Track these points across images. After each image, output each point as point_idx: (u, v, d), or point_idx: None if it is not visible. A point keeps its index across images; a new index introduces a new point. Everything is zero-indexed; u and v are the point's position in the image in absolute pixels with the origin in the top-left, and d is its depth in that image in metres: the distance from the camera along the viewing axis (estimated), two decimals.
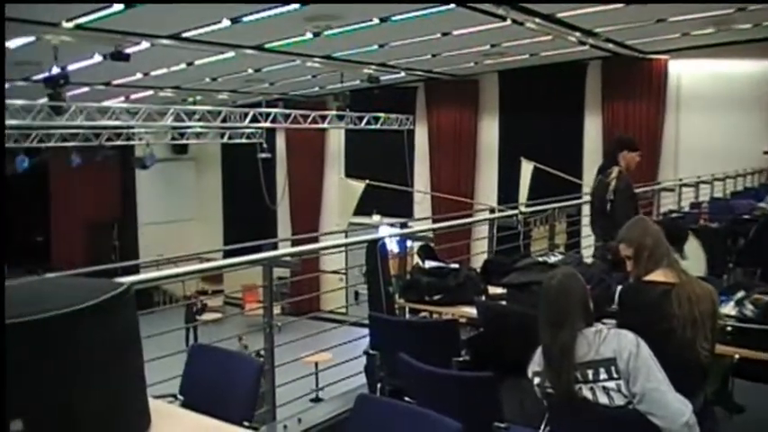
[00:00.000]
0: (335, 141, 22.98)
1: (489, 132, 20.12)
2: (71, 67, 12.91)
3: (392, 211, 19.78)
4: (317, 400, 12.23)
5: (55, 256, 25.13)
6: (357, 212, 17.31)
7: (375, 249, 6.39)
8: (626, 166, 6.97)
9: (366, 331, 5.86)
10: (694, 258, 6.15)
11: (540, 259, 5.67)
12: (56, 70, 12.30)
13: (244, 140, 21.74)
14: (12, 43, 11.79)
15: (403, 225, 10.93)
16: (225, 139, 21.72)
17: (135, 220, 26.14)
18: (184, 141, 22.13)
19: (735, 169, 15.60)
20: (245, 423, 3.00)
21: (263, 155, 21.78)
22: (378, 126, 20.01)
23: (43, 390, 1.92)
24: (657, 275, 3.93)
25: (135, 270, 23.82)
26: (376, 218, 19.56)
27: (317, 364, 13.27)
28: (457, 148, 20.26)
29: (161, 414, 2.29)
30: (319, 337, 9.50)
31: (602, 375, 3.28)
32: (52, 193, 24.69)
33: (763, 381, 4.74)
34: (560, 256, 5.78)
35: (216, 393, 3.17)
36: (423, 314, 6.26)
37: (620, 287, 4.37)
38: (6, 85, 16.04)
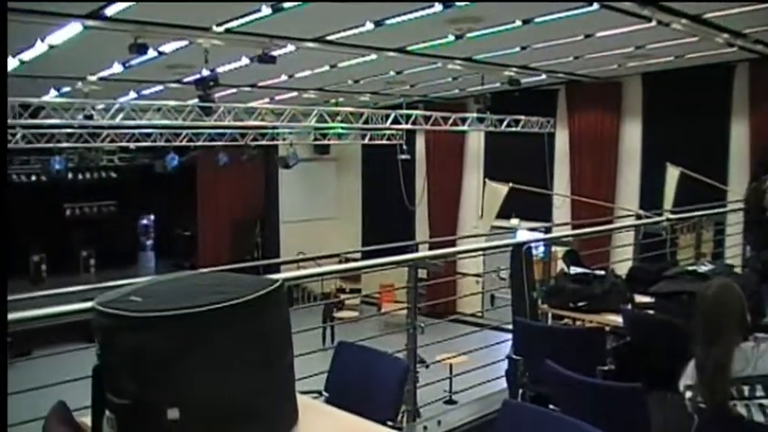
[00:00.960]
0: (475, 143, 22.91)
1: (632, 136, 19.64)
2: (220, 70, 13.29)
3: (530, 214, 19.60)
4: (450, 402, 12.28)
5: (201, 250, 25.99)
6: (497, 215, 17.24)
7: (520, 253, 6.33)
8: None
9: (502, 336, 5.82)
10: None
11: (690, 268, 5.50)
12: (206, 72, 12.68)
13: (384, 142, 21.95)
14: (167, 47, 12.28)
15: (547, 230, 10.83)
16: (366, 140, 21.96)
17: (277, 217, 26.75)
18: (326, 142, 22.51)
19: None
20: (389, 423, 3.02)
21: (403, 156, 21.94)
22: (518, 129, 19.81)
23: (199, 380, 2.00)
24: None
25: (276, 268, 24.52)
26: (514, 221, 19.39)
27: (451, 367, 13.30)
28: (598, 151, 19.84)
29: (308, 409, 2.34)
30: (454, 340, 9.50)
31: (759, 392, 3.13)
32: (199, 190, 25.52)
33: None
34: (710, 266, 5.57)
35: (361, 392, 3.20)
36: (565, 321, 6.18)
37: None
38: (160, 88, 16.71)
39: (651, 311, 5.35)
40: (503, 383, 6.90)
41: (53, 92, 16.62)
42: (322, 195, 27.15)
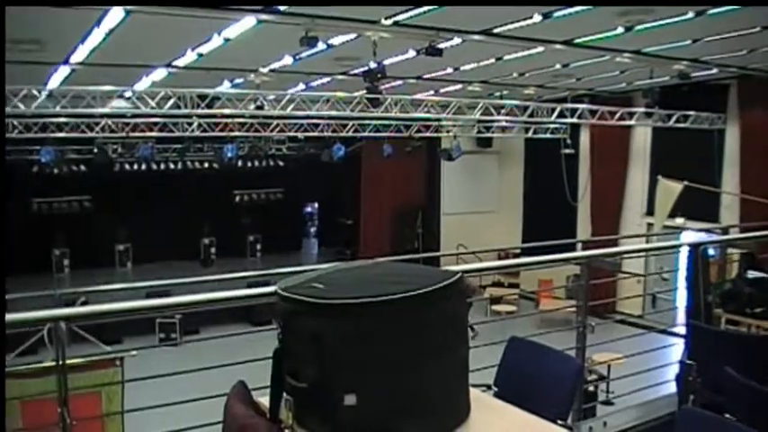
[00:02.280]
0: (641, 139, 22.27)
1: None
2: (387, 62, 13.47)
3: (695, 213, 18.96)
4: (608, 403, 12.08)
5: (363, 239, 26.45)
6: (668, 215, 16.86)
7: (696, 255, 6.09)
8: None
9: (666, 339, 5.64)
10: None
11: None
12: (373, 65, 12.87)
13: (548, 136, 21.71)
14: (336, 40, 12.55)
15: (723, 231, 10.48)
16: (530, 134, 21.78)
17: (438, 209, 26.92)
18: (490, 135, 22.44)
19: None
20: (559, 421, 2.99)
21: (567, 151, 21.66)
22: (687, 125, 19.18)
23: (377, 369, 2.06)
24: None
25: (437, 260, 24.71)
26: (680, 220, 18.76)
27: (609, 367, 13.07)
28: None
29: (479, 403, 2.36)
30: (612, 340, 9.34)
31: None
32: (363, 180, 25.96)
33: None
34: None
35: (532, 388, 3.18)
36: (741, 326, 5.95)
37: None
38: (327, 79, 17.07)
39: None
40: (665, 389, 6.74)
41: (227, 83, 17.24)
42: (483, 188, 27.11)
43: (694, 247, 6.09)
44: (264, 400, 2.35)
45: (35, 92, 14.63)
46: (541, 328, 19.56)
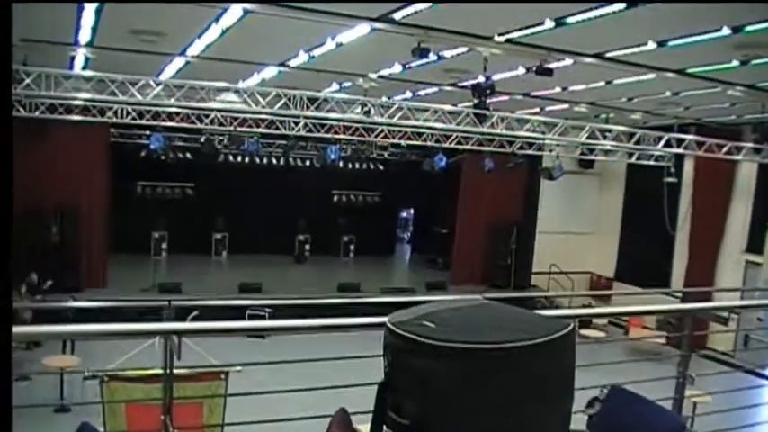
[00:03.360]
0: (747, 174, 21.63)
1: None
2: (495, 77, 13.47)
3: None
4: None
5: (456, 250, 26.46)
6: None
7: None
8: None
9: (755, 380, 5.49)
10: None
11: None
12: (482, 79, 12.90)
13: (651, 162, 21.36)
14: (447, 53, 12.62)
15: None
16: (633, 159, 21.44)
17: (534, 226, 26.75)
18: (593, 157, 22.21)
19: None
20: None
21: (670, 179, 21.27)
22: None
23: (480, 414, 2.11)
24: None
25: (528, 278, 24.64)
26: None
27: (695, 405, 12.82)
28: None
29: None
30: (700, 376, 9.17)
31: None
32: (461, 191, 25.94)
33: None
34: None
35: None
36: None
37: None
38: (434, 89, 17.15)
39: None
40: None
41: (335, 85, 17.45)
42: (581, 209, 26.81)
43: None
44: (364, 429, 2.41)
45: (151, 82, 15.11)
46: (630, 356, 19.32)
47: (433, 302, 2.39)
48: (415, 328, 2.14)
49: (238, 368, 5.44)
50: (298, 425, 4.23)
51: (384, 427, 2.28)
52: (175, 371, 4.07)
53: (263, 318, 20.52)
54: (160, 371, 4.01)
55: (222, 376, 5.57)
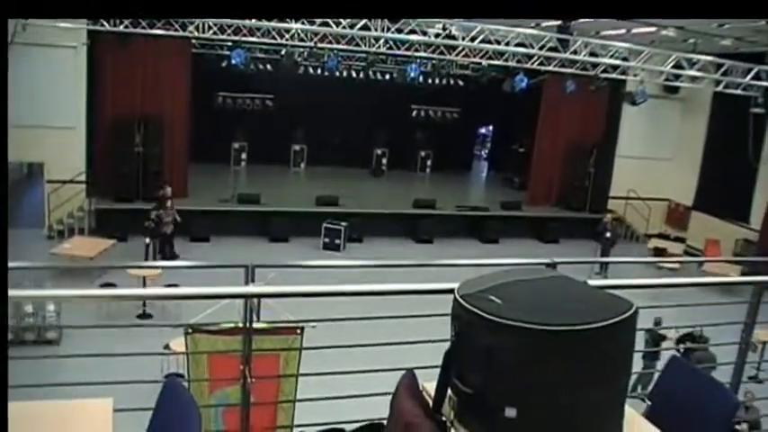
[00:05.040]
0: None
1: None
2: None
3: None
4: (755, 379, 11.85)
5: (533, 170, 26.30)
6: None
7: None
8: None
9: None
10: None
11: None
12: None
13: (739, 92, 20.75)
14: None
15: None
16: (719, 88, 20.87)
17: (613, 150, 26.38)
18: (678, 84, 21.62)
19: None
20: None
21: (757, 110, 20.64)
22: None
23: (541, 389, 2.19)
24: None
25: (604, 201, 24.45)
26: None
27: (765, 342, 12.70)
28: None
29: (632, 426, 2.43)
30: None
31: None
32: (542, 112, 25.62)
33: None
34: None
35: (686, 414, 3.18)
36: None
37: None
38: None
39: None
40: None
41: None
42: (663, 135, 26.28)
43: None
44: (431, 387, 2.51)
45: None
46: (701, 291, 19.16)
47: (501, 272, 2.45)
48: (482, 304, 2.21)
49: (313, 324, 5.62)
50: (368, 378, 4.38)
51: (449, 391, 2.39)
52: (254, 325, 4.32)
53: (339, 232, 20.88)
54: (240, 325, 4.25)
55: (298, 331, 5.78)
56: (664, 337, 12.62)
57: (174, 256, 18.16)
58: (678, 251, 23.69)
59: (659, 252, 22.88)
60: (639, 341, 5.95)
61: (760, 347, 12.68)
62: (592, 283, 2.73)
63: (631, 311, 2.24)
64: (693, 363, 10.55)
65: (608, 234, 21.16)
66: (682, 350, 11.89)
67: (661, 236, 25.03)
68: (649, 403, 3.30)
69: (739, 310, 4.88)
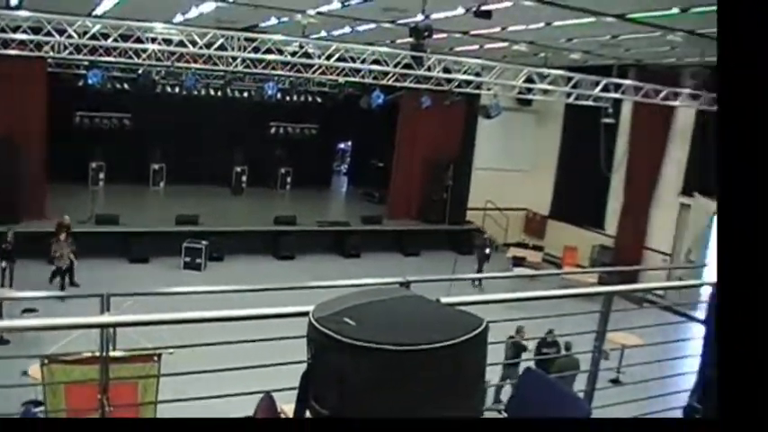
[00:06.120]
0: (684, 118, 21.88)
1: None
2: (434, 16, 13.41)
3: None
4: (616, 381, 12.27)
5: (393, 184, 26.66)
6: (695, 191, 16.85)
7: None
8: None
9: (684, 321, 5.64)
10: None
11: None
12: (420, 17, 12.88)
13: (590, 103, 21.47)
14: None
15: None
16: (571, 99, 21.54)
17: (470, 163, 26.96)
18: (530, 97, 22.18)
19: None
20: None
21: (607, 120, 21.36)
22: None
23: (394, 410, 2.21)
24: None
25: (463, 213, 24.87)
26: (703, 200, 18.27)
27: (623, 348, 13.16)
28: None
29: None
30: (627, 318, 9.47)
31: None
32: (399, 126, 26.03)
33: None
34: None
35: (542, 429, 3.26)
36: None
37: None
38: (372, 26, 17.04)
39: None
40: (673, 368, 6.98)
41: (273, 19, 17.23)
42: (518, 147, 27.00)
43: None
44: (289, 410, 2.51)
45: (88, 22, 14.87)
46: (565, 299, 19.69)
47: (356, 293, 2.48)
48: (335, 326, 2.22)
49: (170, 351, 5.56)
50: (228, 403, 4.33)
51: (308, 413, 2.39)
52: (111, 353, 4.25)
53: (200, 251, 20.59)
54: (97, 354, 4.18)
55: (155, 358, 5.73)
56: (525, 348, 12.92)
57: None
58: (537, 259, 24.33)
59: (518, 261, 23.43)
60: (500, 352, 6.16)
61: (619, 351, 13.10)
62: (444, 300, 2.78)
63: (481, 328, 2.29)
64: (556, 370, 10.92)
65: (487, 250, 22.12)
66: (544, 357, 12.23)
67: (520, 245, 25.66)
68: (506, 415, 3.39)
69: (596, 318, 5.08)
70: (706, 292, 6.21)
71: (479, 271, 21.36)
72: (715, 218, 17.98)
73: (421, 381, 2.18)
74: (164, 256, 20.67)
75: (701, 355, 4.90)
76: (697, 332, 6.01)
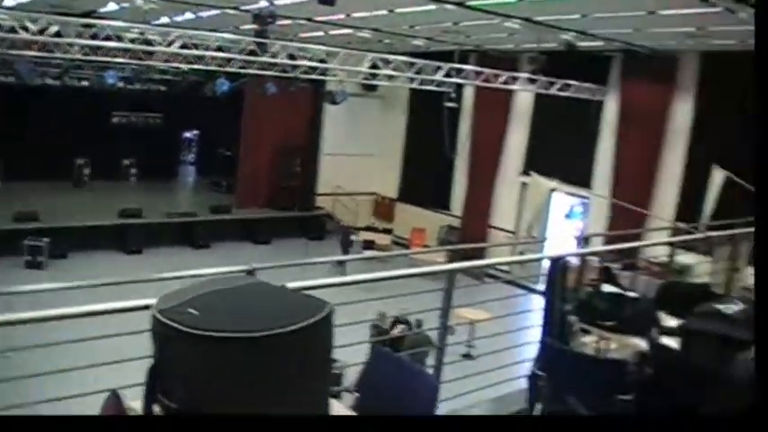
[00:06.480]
0: (523, 101, 22.60)
1: (680, 120, 18.97)
2: (278, 2, 13.32)
3: (570, 177, 19.27)
4: (468, 356, 12.57)
5: (241, 172, 26.46)
6: (532, 171, 17.41)
7: (556, 267, 6.17)
8: None
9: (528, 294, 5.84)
10: None
11: (720, 307, 5.22)
12: (264, 3, 12.77)
13: (433, 88, 21.80)
14: None
15: (586, 240, 11.02)
16: (414, 84, 21.81)
17: (318, 149, 27.02)
18: (375, 82, 22.33)
19: None
20: None
21: (450, 104, 21.73)
22: (568, 93, 19.64)
23: (241, 399, 2.20)
24: None
25: (312, 198, 24.90)
26: (553, 183, 18.92)
27: (472, 323, 13.50)
28: (645, 128, 19.19)
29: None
30: (478, 294, 9.72)
31: None
32: (245, 114, 25.82)
33: None
34: (739, 306, 5.24)
35: (392, 401, 3.32)
36: (591, 337, 6.12)
37: None
38: (216, 12, 16.78)
39: (677, 338, 5.28)
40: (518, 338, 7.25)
41: (112, 5, 16.73)
42: (365, 132, 27.18)
43: (555, 261, 6.23)
44: (138, 406, 2.46)
45: None
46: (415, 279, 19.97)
47: (200, 282, 2.44)
48: (178, 317, 2.19)
49: (8, 354, 5.30)
50: (73, 404, 4.19)
51: (156, 407, 2.34)
52: None
53: (40, 249, 19.83)
54: None
55: None
56: (388, 331, 13.07)
57: None
58: (386, 242, 24.69)
59: (368, 244, 23.67)
60: (358, 333, 6.22)
61: (469, 327, 13.41)
62: (291, 285, 2.78)
63: (326, 311, 2.30)
64: (407, 347, 11.09)
65: (352, 237, 23.02)
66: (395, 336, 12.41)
67: (369, 228, 25.89)
68: (357, 395, 3.41)
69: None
70: (545, 266, 6.50)
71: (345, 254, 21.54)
72: (553, 194, 18.84)
73: (267, 366, 2.18)
74: (4, 255, 19.76)
75: (541, 326, 5.12)
76: (537, 303, 6.27)
